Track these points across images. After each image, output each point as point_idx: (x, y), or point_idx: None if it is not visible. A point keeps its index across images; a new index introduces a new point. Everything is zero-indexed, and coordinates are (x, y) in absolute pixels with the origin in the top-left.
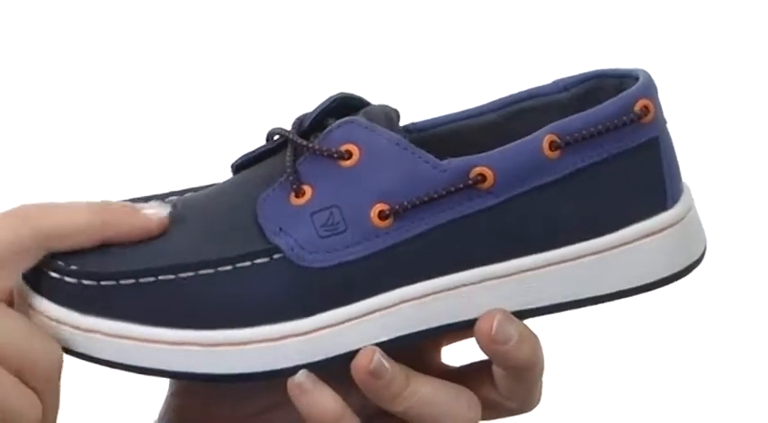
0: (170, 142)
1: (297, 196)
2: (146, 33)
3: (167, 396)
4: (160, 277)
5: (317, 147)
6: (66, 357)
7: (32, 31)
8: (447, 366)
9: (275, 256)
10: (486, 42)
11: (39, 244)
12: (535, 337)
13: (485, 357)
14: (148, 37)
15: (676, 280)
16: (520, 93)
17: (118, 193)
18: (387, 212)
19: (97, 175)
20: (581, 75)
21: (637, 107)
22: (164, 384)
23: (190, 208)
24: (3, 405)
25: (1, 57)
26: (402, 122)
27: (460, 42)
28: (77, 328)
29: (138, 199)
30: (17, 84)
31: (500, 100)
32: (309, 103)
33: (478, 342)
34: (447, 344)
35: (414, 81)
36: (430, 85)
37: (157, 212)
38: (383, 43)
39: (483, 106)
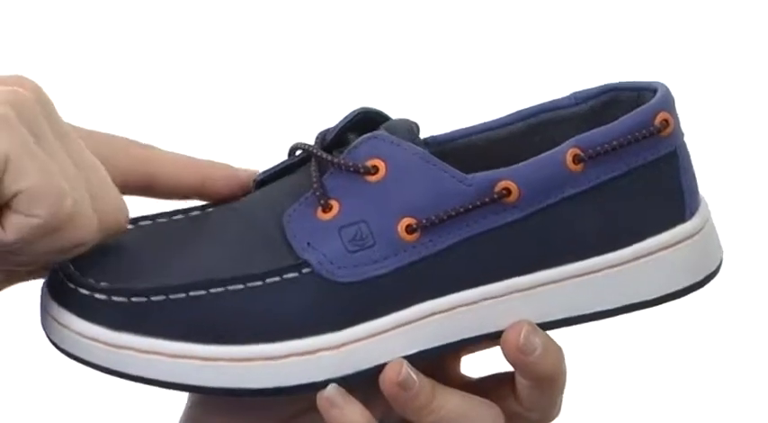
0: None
1: (324, 211)
2: (156, 49)
3: (186, 407)
4: (191, 293)
5: (343, 162)
6: (95, 373)
7: (28, 41)
8: (467, 378)
9: (304, 271)
10: (501, 55)
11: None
12: (559, 348)
13: (503, 369)
14: (159, 53)
15: (694, 290)
16: (536, 106)
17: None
18: (414, 227)
19: None
20: (598, 88)
21: (657, 120)
22: (181, 396)
23: (215, 223)
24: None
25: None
26: (421, 135)
27: (475, 55)
28: (109, 344)
29: (145, 217)
30: None
31: (517, 113)
32: (325, 118)
33: (505, 353)
34: (466, 354)
35: (430, 94)
36: (445, 98)
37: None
38: (399, 56)
39: (500, 119)
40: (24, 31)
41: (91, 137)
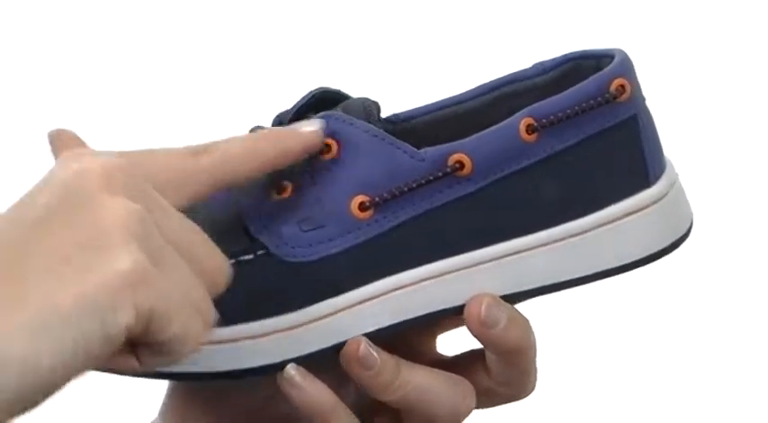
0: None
1: (278, 192)
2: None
3: (165, 396)
4: None
5: None
6: None
7: (28, 41)
8: (442, 356)
9: (259, 253)
10: (465, 29)
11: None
12: (525, 319)
13: (479, 346)
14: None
15: (663, 256)
16: (501, 78)
17: None
18: (367, 204)
19: None
20: (560, 57)
21: (612, 86)
22: (162, 383)
23: None
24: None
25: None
26: (385, 113)
27: (440, 31)
28: None
29: None
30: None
31: (481, 86)
32: (291, 98)
33: (468, 327)
34: (441, 332)
35: (394, 71)
36: (411, 74)
37: (313, 128)
38: (363, 37)
39: (465, 94)
40: (24, 32)
41: (153, 159)
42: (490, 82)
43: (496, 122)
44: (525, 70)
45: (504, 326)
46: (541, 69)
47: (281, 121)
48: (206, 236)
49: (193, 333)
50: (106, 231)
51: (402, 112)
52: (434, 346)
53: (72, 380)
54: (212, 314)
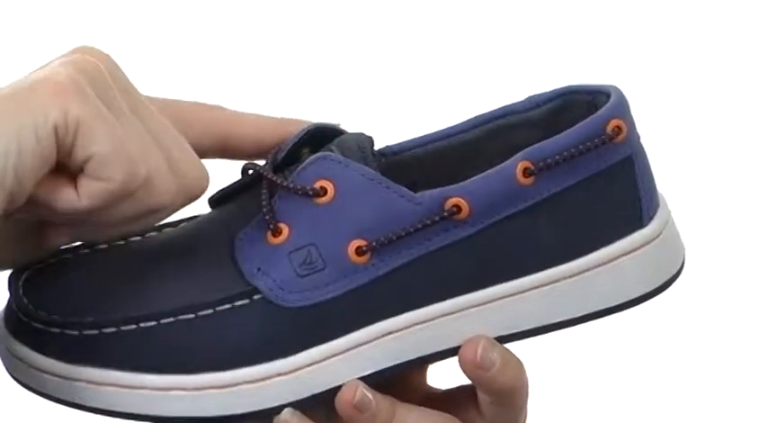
0: None
1: (274, 235)
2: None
3: None
4: (141, 325)
5: (291, 185)
6: (52, 405)
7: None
8: (432, 389)
9: (255, 298)
10: (459, 61)
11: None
12: (518, 361)
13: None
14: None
15: (656, 295)
16: (494, 111)
17: None
18: (364, 248)
19: None
20: (552, 91)
21: (609, 128)
22: None
23: (166, 246)
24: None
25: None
26: (378, 144)
27: (435, 62)
28: (62, 376)
29: (85, 245)
30: None
31: (474, 119)
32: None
33: (463, 369)
34: (431, 363)
35: (388, 103)
36: (403, 106)
37: None
38: (358, 66)
39: (457, 126)
40: (25, 31)
41: (159, 103)
42: (483, 115)
43: (489, 156)
44: (518, 103)
45: (498, 368)
46: (534, 103)
47: (275, 155)
48: (183, 139)
49: (140, 175)
50: (58, 67)
51: (394, 145)
52: (425, 379)
53: (9, 187)
54: (178, 188)
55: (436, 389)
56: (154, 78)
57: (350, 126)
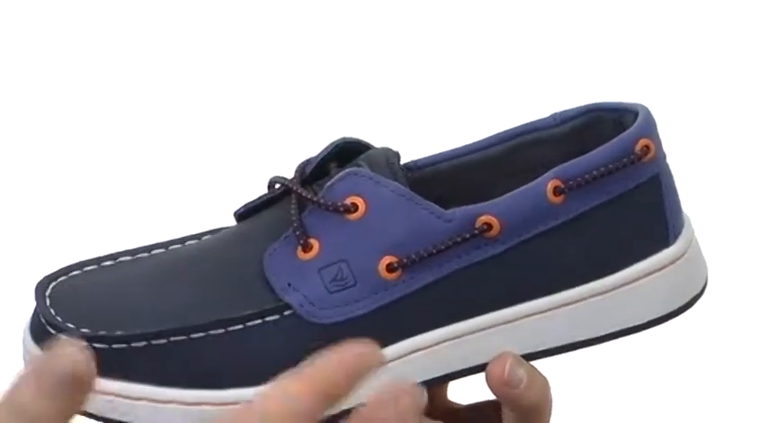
0: (172, 186)
1: (304, 251)
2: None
3: None
4: (172, 339)
5: (321, 201)
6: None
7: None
8: (454, 404)
9: (285, 313)
10: (483, 75)
11: None
12: (544, 379)
13: (491, 396)
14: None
15: (680, 314)
16: (518, 127)
17: (118, 238)
18: (395, 265)
19: (95, 226)
20: (578, 108)
21: (637, 147)
22: None
23: (194, 259)
24: None
25: None
26: (403, 158)
27: (458, 77)
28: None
29: (141, 248)
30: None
31: (499, 134)
32: (310, 144)
33: (490, 386)
34: (457, 379)
35: (413, 117)
36: (429, 120)
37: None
38: (385, 79)
39: (482, 141)
40: (24, 31)
41: None
42: (507, 130)
43: (514, 172)
44: (543, 120)
45: (525, 385)
46: (559, 119)
47: (303, 170)
48: None
49: None
50: None
51: (419, 159)
52: (446, 393)
53: None
54: None
55: (457, 404)
56: (155, 78)
57: (376, 141)
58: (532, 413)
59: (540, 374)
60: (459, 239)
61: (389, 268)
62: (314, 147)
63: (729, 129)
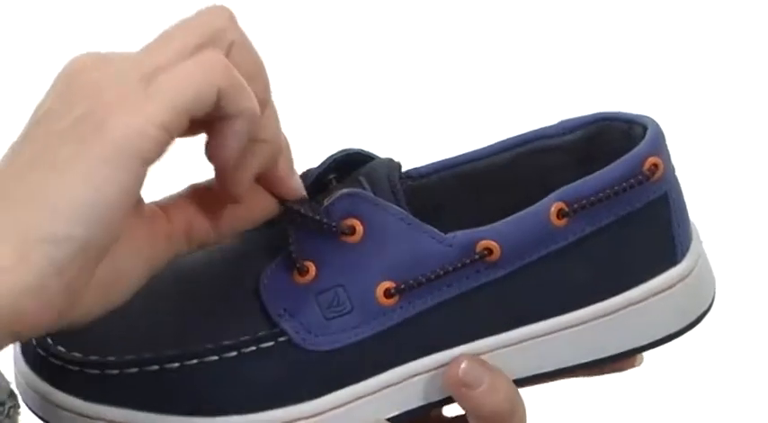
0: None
1: (300, 274)
2: None
3: None
4: (165, 366)
5: (317, 217)
6: None
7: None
8: (440, 415)
9: (280, 340)
10: (489, 82)
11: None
12: (511, 386)
13: None
14: None
15: (689, 330)
16: (524, 134)
17: None
18: (392, 291)
19: None
20: (586, 117)
21: (646, 166)
22: None
23: (189, 279)
24: None
25: None
26: (406, 166)
27: (464, 82)
28: (83, 415)
29: None
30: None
31: (504, 141)
32: (313, 149)
33: (446, 386)
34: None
35: (415, 125)
36: (433, 126)
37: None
38: (387, 89)
39: (486, 149)
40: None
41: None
42: (512, 138)
43: (518, 181)
44: (549, 128)
45: (485, 389)
46: (567, 128)
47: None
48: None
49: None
50: None
51: (421, 167)
52: (441, 411)
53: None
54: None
55: (444, 416)
56: None
57: (379, 147)
58: (492, 421)
59: (508, 381)
60: (459, 265)
61: (387, 294)
62: (318, 153)
63: (734, 132)
